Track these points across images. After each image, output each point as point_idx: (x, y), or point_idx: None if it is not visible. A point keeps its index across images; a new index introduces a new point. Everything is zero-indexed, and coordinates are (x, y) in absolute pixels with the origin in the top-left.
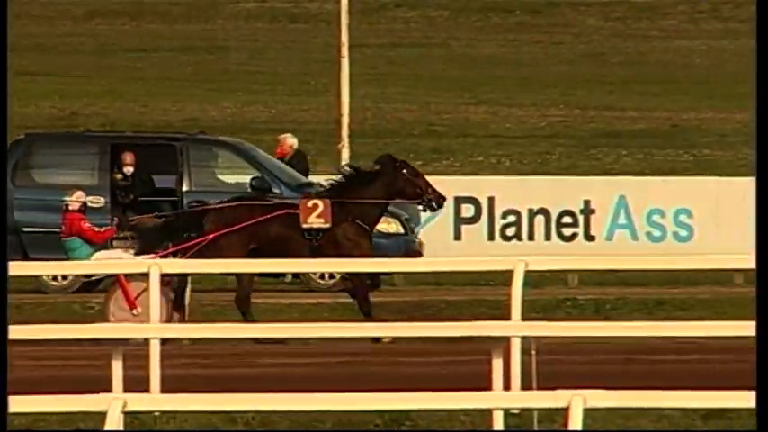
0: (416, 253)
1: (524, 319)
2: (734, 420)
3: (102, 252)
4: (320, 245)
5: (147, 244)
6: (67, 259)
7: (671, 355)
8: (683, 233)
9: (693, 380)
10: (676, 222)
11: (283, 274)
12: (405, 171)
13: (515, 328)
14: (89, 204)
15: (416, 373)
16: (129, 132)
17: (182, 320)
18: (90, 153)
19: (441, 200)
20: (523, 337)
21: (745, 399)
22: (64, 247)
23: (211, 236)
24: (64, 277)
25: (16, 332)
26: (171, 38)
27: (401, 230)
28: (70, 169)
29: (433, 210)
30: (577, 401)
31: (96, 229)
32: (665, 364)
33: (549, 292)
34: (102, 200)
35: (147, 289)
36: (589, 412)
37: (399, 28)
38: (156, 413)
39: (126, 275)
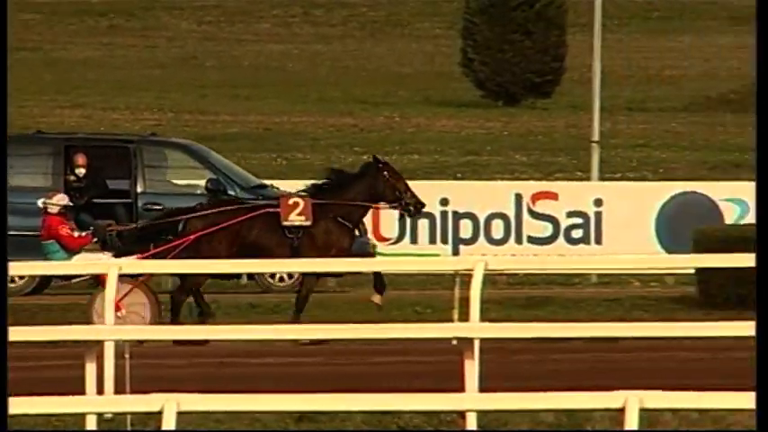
0: (370, 254)
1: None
2: (321, 424)
3: (84, 255)
4: (300, 243)
5: (127, 246)
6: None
7: (268, 358)
8: None
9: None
10: None
11: (240, 275)
12: (385, 173)
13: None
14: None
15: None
16: (82, 134)
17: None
18: (43, 154)
19: (419, 205)
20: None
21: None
22: (42, 249)
23: (193, 236)
24: (21, 277)
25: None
26: None
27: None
28: (23, 171)
29: (411, 215)
30: (171, 406)
31: (75, 234)
32: (259, 368)
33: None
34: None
35: (131, 291)
36: (184, 416)
37: None
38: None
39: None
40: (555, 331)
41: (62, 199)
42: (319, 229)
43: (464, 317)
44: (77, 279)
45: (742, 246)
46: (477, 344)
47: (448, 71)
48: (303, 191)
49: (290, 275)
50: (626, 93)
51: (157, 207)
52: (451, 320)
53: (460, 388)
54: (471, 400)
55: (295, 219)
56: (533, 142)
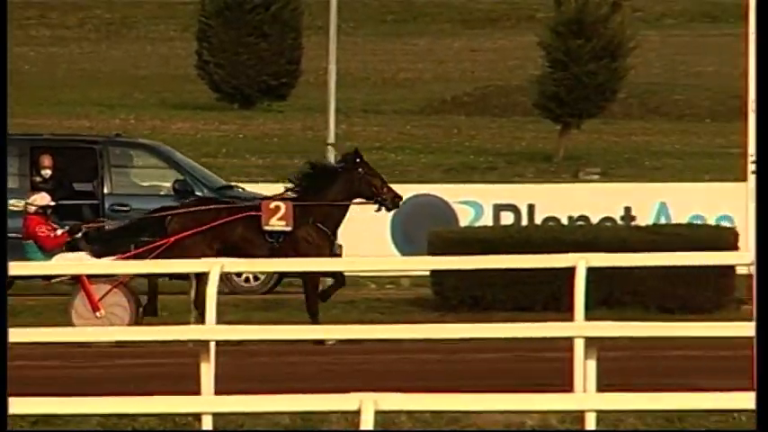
0: (337, 255)
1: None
2: (57, 426)
3: (64, 255)
4: (280, 247)
5: (106, 247)
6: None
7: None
8: None
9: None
10: None
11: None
12: (360, 170)
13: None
14: (11, 208)
15: None
16: (48, 135)
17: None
18: (9, 155)
19: (396, 199)
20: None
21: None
22: (23, 250)
23: (173, 238)
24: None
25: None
26: None
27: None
28: None
29: (389, 209)
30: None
31: (51, 234)
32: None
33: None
34: (23, 203)
35: (110, 291)
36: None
37: None
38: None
39: (89, 278)
40: (291, 333)
41: (41, 199)
42: (300, 234)
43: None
44: (57, 279)
45: (476, 248)
46: (213, 346)
47: (183, 74)
48: (285, 191)
49: (256, 277)
50: (361, 95)
51: (124, 208)
52: (188, 323)
53: (197, 390)
54: (206, 402)
55: (276, 224)
56: (269, 145)
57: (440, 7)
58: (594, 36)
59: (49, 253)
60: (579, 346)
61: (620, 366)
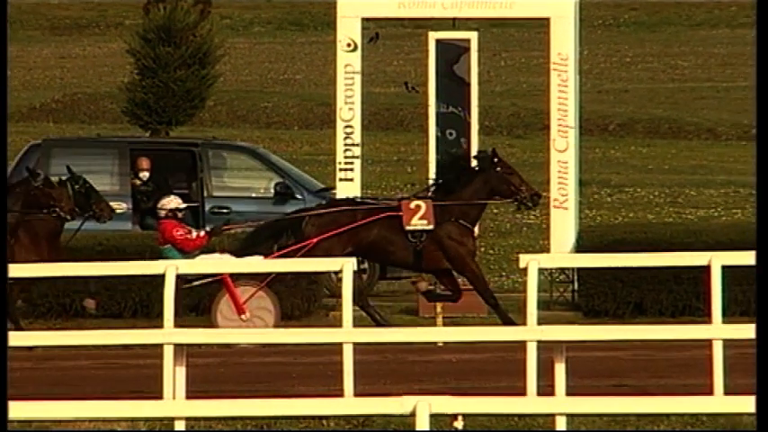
0: None
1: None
2: None
3: (205, 256)
4: (424, 247)
5: (247, 247)
6: None
7: None
8: None
9: None
10: None
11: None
12: (499, 168)
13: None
14: (117, 210)
15: None
16: (147, 137)
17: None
18: (109, 158)
19: (536, 197)
20: None
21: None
22: (161, 254)
23: (315, 239)
24: None
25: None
26: None
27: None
28: (89, 175)
29: (528, 208)
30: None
31: (189, 236)
32: None
33: None
34: (124, 206)
35: (255, 294)
36: None
37: None
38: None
39: (233, 279)
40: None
41: (169, 202)
42: (442, 232)
43: None
44: (199, 282)
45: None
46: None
47: None
48: (424, 191)
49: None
50: None
51: (224, 211)
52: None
53: None
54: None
55: (417, 223)
56: None
57: (27, 14)
58: (183, 43)
59: (189, 255)
60: (168, 353)
61: (210, 373)
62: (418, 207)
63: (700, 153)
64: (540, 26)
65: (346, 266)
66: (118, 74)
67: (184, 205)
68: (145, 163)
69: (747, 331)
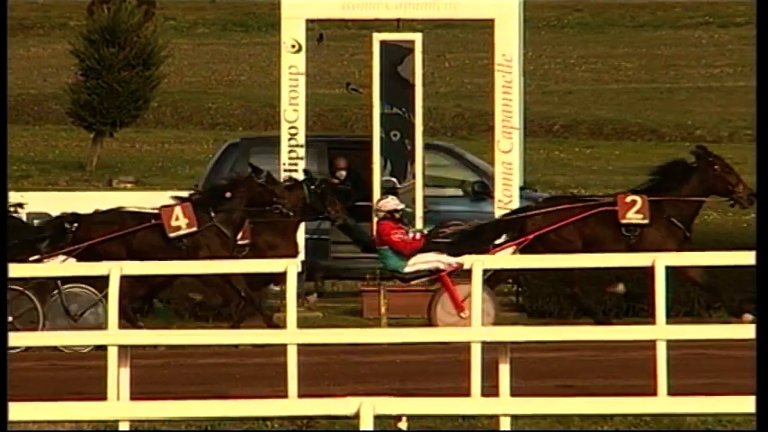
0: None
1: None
2: None
3: (423, 255)
4: (638, 241)
5: (462, 245)
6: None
7: None
8: None
9: None
10: None
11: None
12: (716, 167)
13: None
14: None
15: None
16: (344, 135)
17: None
18: (307, 157)
19: (752, 197)
20: None
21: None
22: (379, 256)
23: (531, 235)
24: None
25: None
26: None
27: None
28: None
29: (744, 207)
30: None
31: (406, 238)
32: None
33: None
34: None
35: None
36: None
37: None
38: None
39: (451, 278)
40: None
41: (387, 204)
42: (655, 228)
43: None
44: (419, 280)
45: None
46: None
47: None
48: (639, 187)
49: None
50: None
51: (425, 211)
52: None
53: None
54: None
55: (632, 217)
56: None
57: None
58: (128, 44)
59: (407, 257)
60: (113, 354)
61: (154, 374)
62: (634, 201)
63: (643, 154)
64: (484, 27)
65: (290, 268)
66: (62, 75)
67: (402, 206)
68: (342, 162)
69: (691, 332)
